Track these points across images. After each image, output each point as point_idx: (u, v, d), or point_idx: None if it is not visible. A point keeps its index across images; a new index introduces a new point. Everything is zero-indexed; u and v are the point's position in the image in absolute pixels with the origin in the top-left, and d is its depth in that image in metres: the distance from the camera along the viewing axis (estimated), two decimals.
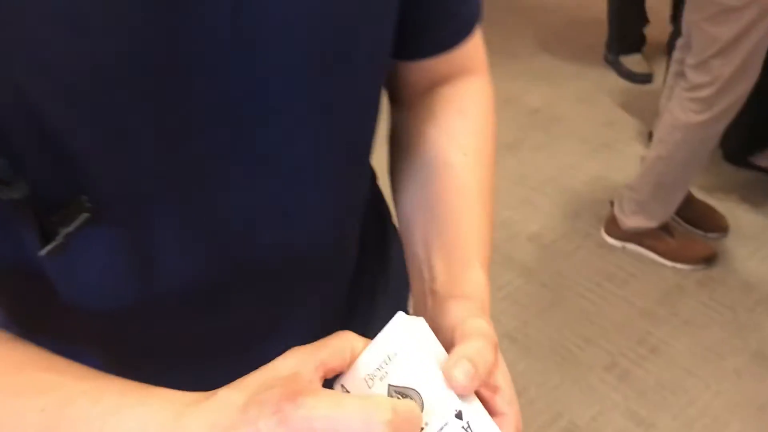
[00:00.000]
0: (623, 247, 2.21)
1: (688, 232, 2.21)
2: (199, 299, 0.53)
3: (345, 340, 0.43)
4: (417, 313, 0.53)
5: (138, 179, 0.45)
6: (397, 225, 0.64)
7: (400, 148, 0.63)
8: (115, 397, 0.43)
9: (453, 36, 0.60)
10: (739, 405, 1.75)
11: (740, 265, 2.14)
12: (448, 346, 0.44)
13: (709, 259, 2.12)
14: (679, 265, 2.12)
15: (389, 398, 0.39)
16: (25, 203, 0.42)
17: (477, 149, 0.61)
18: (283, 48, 0.45)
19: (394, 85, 0.63)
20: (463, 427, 0.41)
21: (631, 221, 2.15)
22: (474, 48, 0.62)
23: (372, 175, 0.66)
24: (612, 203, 2.23)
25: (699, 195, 2.27)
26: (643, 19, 3.02)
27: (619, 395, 1.80)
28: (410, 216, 0.58)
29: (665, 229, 2.14)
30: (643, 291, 2.08)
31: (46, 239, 0.44)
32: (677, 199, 2.10)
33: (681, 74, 1.95)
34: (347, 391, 0.44)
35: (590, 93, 2.97)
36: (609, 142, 2.68)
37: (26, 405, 0.42)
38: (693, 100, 1.89)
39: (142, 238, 0.48)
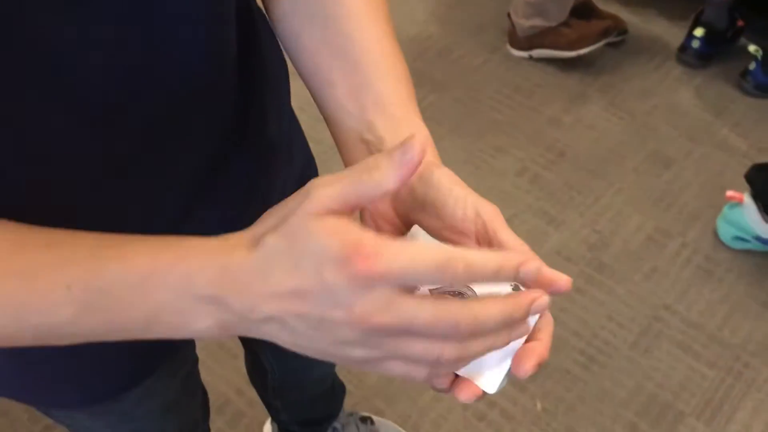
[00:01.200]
0: (529, 57, 2.26)
1: (584, 22, 2.24)
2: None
3: (360, 165, 0.40)
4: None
5: None
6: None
7: None
8: (146, 259, 0.40)
9: None
10: (638, 199, 1.90)
11: (638, 71, 2.24)
12: (459, 228, 0.46)
13: (607, 31, 2.19)
14: (583, 50, 2.18)
15: (460, 248, 0.38)
16: None
17: None
18: None
19: None
20: None
21: (528, 23, 2.18)
22: None
23: None
24: (509, 14, 2.24)
25: (599, 5, 2.32)
26: None
27: (531, 197, 1.91)
28: (321, 61, 0.53)
29: (563, 24, 2.19)
30: (550, 100, 2.16)
31: None
32: None
33: None
34: None
35: None
36: None
37: (47, 285, 0.39)
38: None
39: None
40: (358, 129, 0.51)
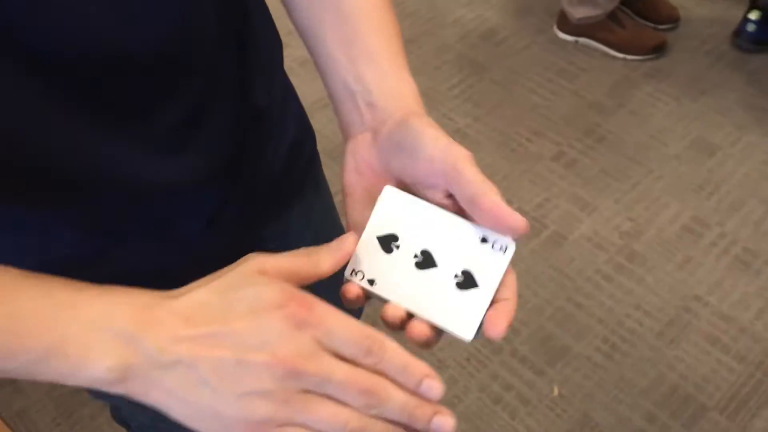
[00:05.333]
0: (576, 42, 2.21)
1: (639, 23, 2.21)
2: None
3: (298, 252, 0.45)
4: (350, 122, 0.52)
5: None
6: None
7: None
8: (68, 291, 0.41)
9: None
10: (678, 187, 1.85)
11: (687, 56, 2.16)
12: (429, 168, 0.46)
13: (658, 49, 2.14)
14: (629, 57, 2.15)
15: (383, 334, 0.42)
16: None
17: None
18: None
19: None
20: (491, 246, 0.47)
21: (578, 12, 2.14)
22: None
23: None
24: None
25: None
26: None
27: (565, 183, 1.88)
28: (313, 14, 0.54)
29: (615, 20, 2.14)
30: (593, 84, 2.11)
31: None
32: None
33: None
34: (360, 273, 0.47)
35: None
36: None
37: None
38: None
39: None
40: (347, 79, 0.52)
